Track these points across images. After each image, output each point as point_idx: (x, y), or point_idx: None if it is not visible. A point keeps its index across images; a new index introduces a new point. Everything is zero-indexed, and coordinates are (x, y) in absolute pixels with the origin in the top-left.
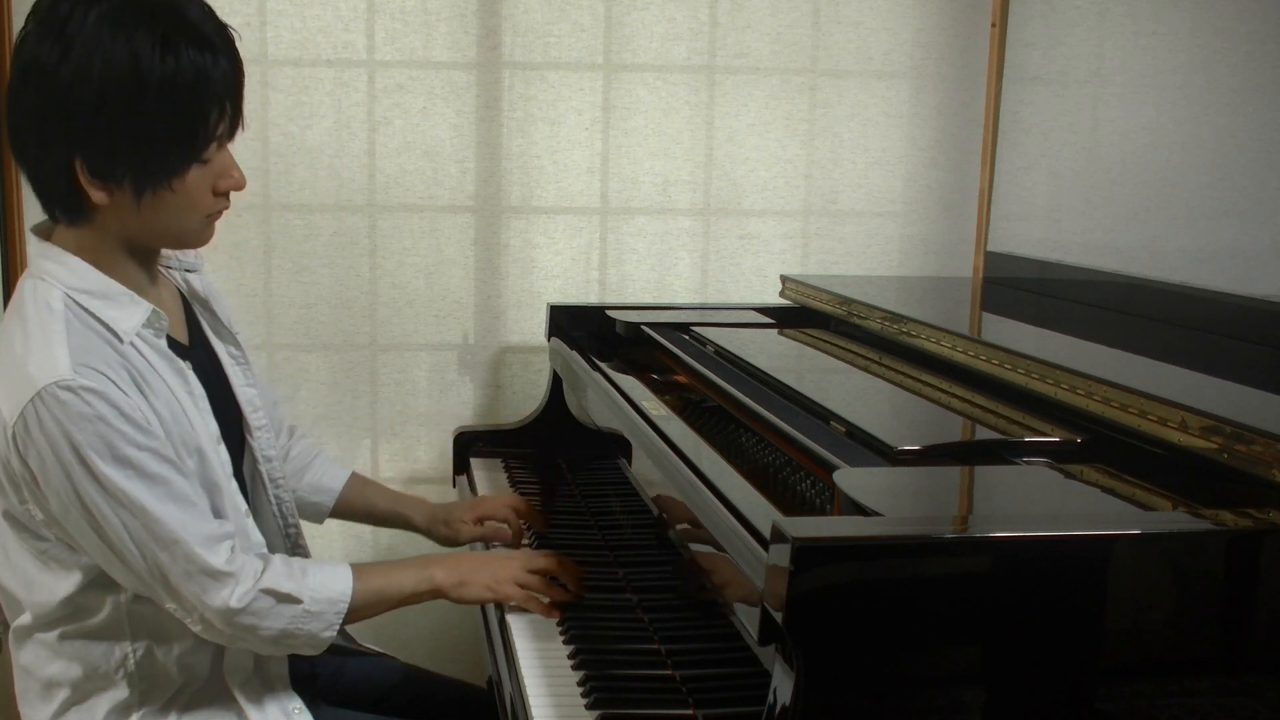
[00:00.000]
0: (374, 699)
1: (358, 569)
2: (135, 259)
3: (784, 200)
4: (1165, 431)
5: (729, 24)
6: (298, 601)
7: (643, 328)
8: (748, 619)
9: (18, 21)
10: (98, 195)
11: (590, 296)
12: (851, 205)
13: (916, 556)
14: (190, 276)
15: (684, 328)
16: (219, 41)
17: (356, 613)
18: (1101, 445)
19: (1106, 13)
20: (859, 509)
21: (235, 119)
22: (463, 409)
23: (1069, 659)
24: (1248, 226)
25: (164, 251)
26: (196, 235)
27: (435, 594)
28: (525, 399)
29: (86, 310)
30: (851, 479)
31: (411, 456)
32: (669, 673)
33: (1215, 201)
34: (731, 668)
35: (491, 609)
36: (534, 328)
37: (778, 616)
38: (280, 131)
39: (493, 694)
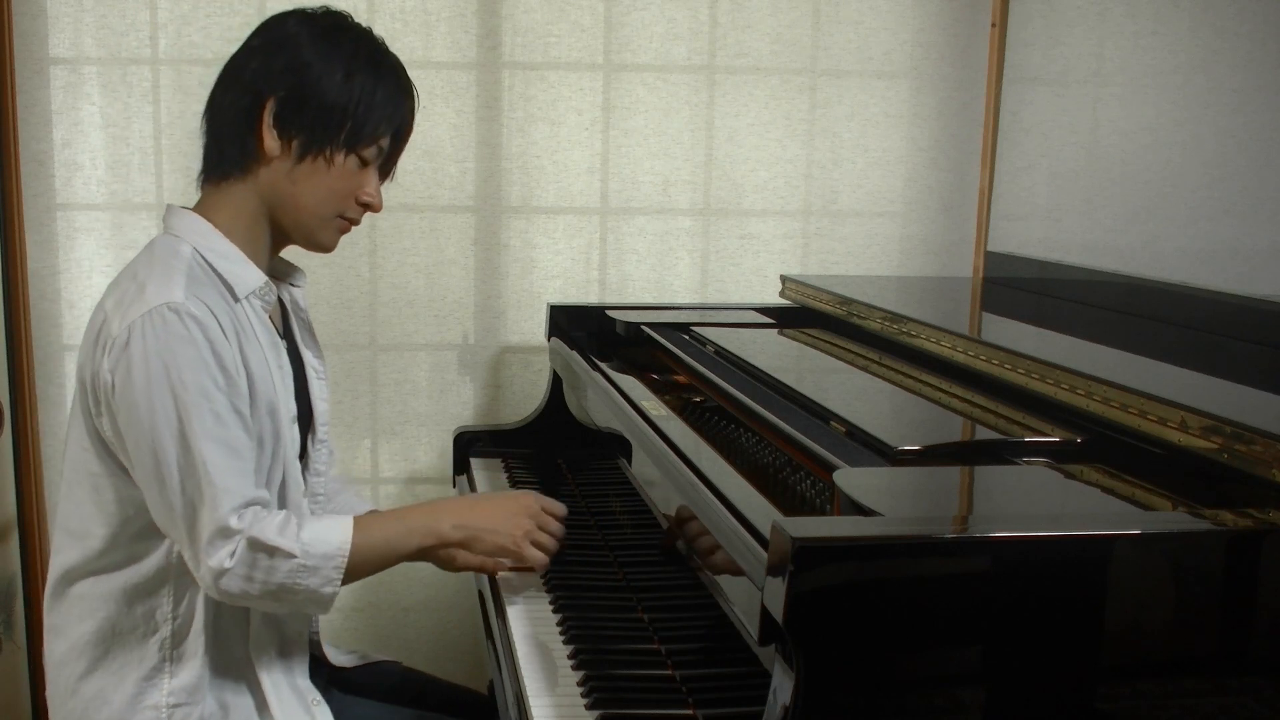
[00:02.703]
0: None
1: (360, 521)
2: (262, 240)
3: (784, 200)
4: (1165, 431)
5: (729, 24)
6: (291, 556)
7: (643, 328)
8: (748, 619)
9: (18, 21)
10: (270, 143)
11: (590, 296)
12: (851, 205)
13: (916, 556)
14: (295, 291)
15: (684, 328)
16: (413, 99)
17: (358, 568)
18: (1101, 445)
19: (1106, 13)
20: (859, 509)
21: (393, 158)
22: (463, 409)
23: (1069, 659)
24: (1248, 226)
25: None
26: (325, 231)
27: (442, 548)
28: (525, 399)
29: (209, 264)
30: (851, 479)
31: (411, 456)
32: (669, 673)
33: (1215, 201)
34: (731, 668)
35: (491, 609)
36: (534, 328)
37: (778, 616)
38: None
39: (494, 698)
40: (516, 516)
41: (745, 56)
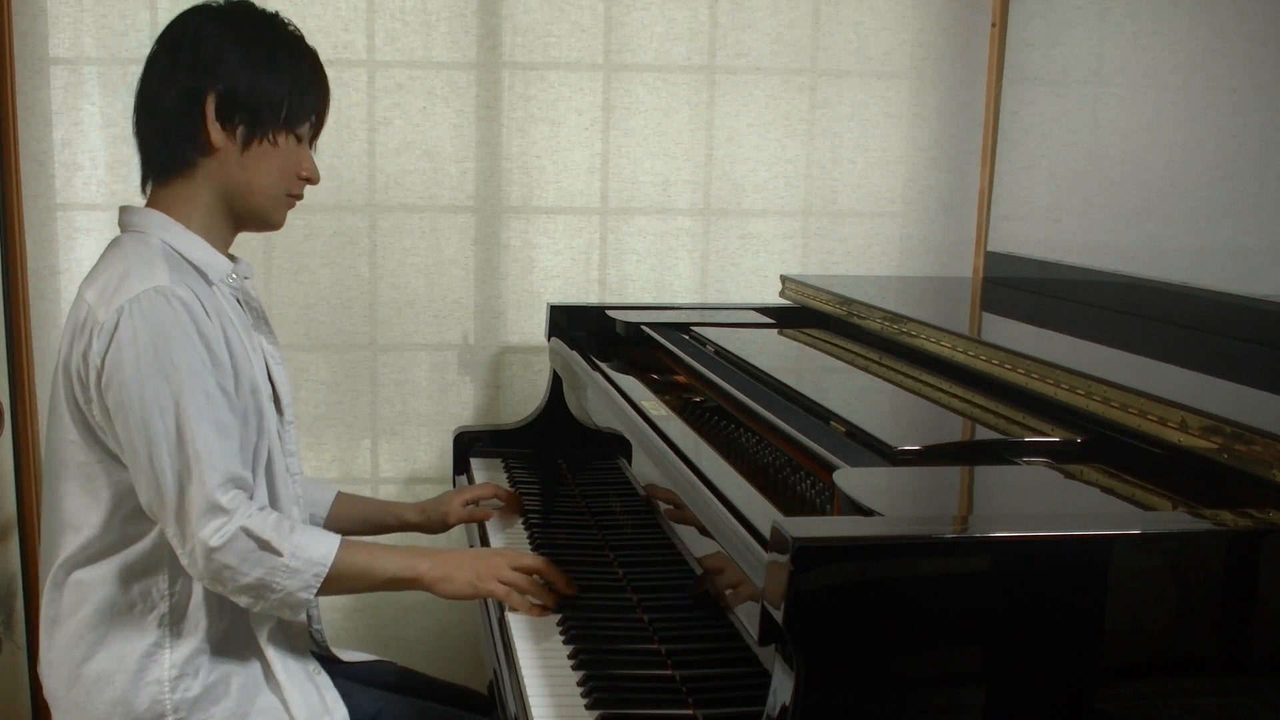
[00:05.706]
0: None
1: (346, 541)
2: (217, 230)
3: (784, 200)
4: (1165, 431)
5: (729, 24)
6: (278, 553)
7: (643, 328)
8: (748, 619)
9: (18, 21)
10: (216, 135)
11: (590, 296)
12: (851, 205)
13: (916, 556)
14: (245, 283)
15: (684, 328)
16: (323, 68)
17: (335, 582)
18: (1101, 445)
19: (1106, 13)
20: (859, 509)
21: (318, 128)
22: (463, 409)
23: (1069, 659)
24: (1248, 226)
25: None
26: (275, 208)
27: (417, 584)
28: (525, 399)
29: (179, 253)
30: (851, 479)
31: (411, 456)
32: (669, 673)
33: (1215, 201)
34: (731, 668)
35: (491, 608)
36: (534, 328)
37: (778, 616)
38: None
39: (493, 698)
40: (491, 557)
41: (745, 56)
